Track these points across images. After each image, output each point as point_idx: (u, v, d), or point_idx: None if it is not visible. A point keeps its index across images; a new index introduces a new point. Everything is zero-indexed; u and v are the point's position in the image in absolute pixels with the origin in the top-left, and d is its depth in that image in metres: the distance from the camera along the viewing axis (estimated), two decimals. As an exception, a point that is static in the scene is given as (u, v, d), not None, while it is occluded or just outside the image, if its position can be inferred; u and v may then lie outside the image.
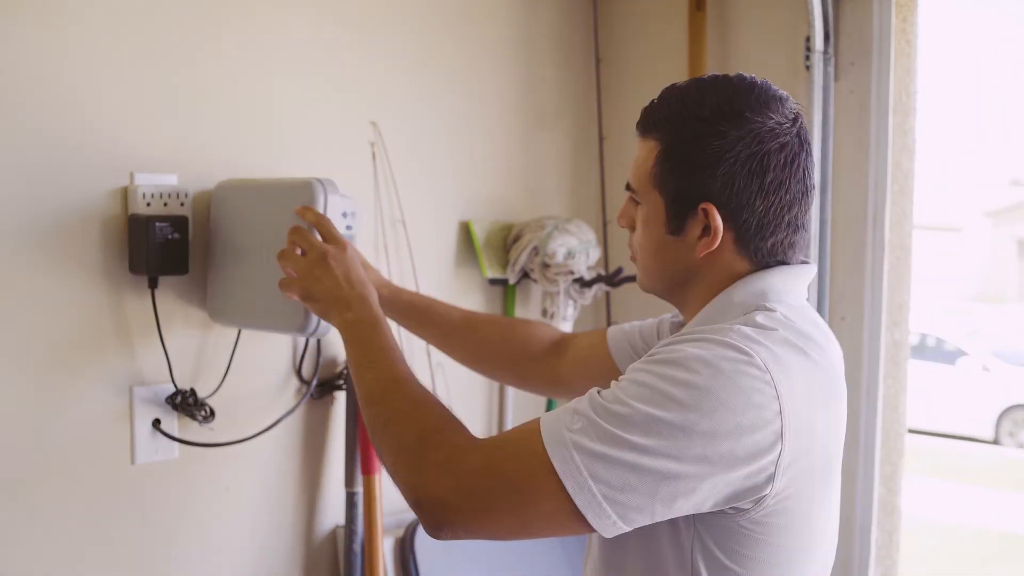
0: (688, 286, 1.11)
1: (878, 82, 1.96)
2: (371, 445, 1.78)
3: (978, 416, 8.58)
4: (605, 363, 1.39)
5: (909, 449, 2.09)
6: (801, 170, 1.05)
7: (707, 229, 1.05)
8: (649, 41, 2.34)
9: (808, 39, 1.97)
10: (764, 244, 1.06)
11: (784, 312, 1.03)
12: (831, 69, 1.99)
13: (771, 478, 0.96)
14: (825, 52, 1.98)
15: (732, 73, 1.08)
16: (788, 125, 1.04)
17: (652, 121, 1.09)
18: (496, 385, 2.19)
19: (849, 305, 2.01)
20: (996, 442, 8.50)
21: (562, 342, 1.52)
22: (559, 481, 0.93)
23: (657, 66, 2.32)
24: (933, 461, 7.56)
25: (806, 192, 1.07)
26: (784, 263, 1.08)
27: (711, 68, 2.18)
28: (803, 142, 1.06)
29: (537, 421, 1.00)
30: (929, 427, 8.29)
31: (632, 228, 1.15)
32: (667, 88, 1.10)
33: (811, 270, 1.11)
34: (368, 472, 1.79)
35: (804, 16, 1.97)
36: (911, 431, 2.23)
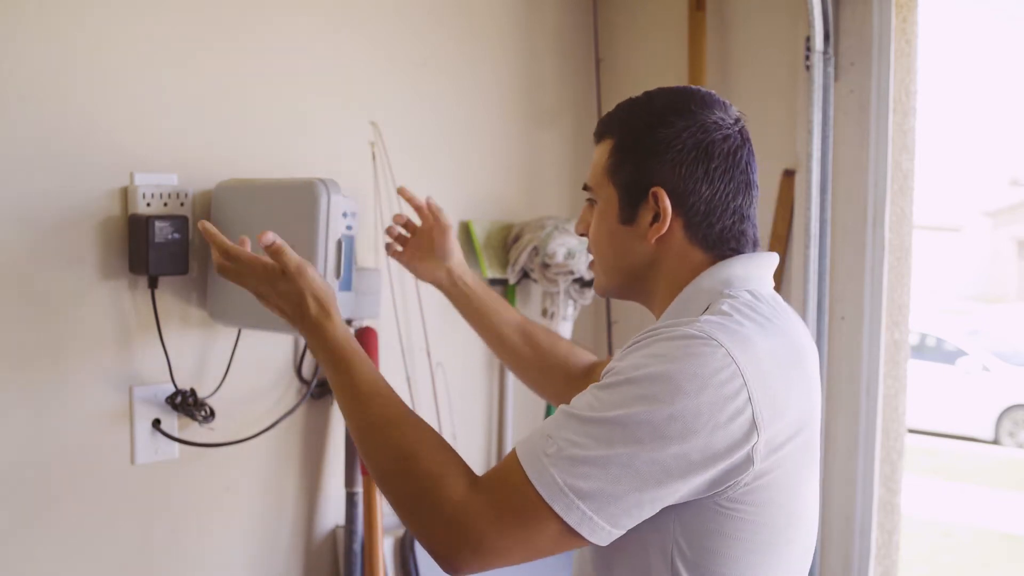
0: (648, 280, 1.16)
1: (878, 82, 1.96)
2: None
3: (978, 416, 8.57)
4: None
5: (909, 449, 2.09)
6: (743, 163, 1.13)
7: (657, 216, 1.11)
8: (649, 41, 2.34)
9: (808, 39, 1.97)
10: (712, 231, 1.12)
11: (748, 298, 1.09)
12: (831, 69, 1.99)
13: (750, 460, 0.99)
14: (825, 52, 1.98)
15: (690, 84, 1.14)
16: (730, 122, 1.13)
17: (607, 125, 1.18)
18: (496, 385, 2.19)
19: (849, 305, 2.01)
20: (996, 442, 8.49)
21: (593, 367, 1.55)
22: (549, 507, 0.98)
23: (657, 66, 2.32)
24: (933, 461, 7.56)
25: (748, 185, 1.14)
26: (738, 252, 1.13)
27: (711, 68, 2.18)
28: (744, 139, 1.14)
29: (515, 453, 1.03)
30: (929, 427, 8.29)
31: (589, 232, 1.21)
32: (622, 101, 1.19)
33: (774, 258, 1.17)
34: (368, 472, 1.79)
35: (804, 16, 1.97)
36: (911, 431, 2.24)
